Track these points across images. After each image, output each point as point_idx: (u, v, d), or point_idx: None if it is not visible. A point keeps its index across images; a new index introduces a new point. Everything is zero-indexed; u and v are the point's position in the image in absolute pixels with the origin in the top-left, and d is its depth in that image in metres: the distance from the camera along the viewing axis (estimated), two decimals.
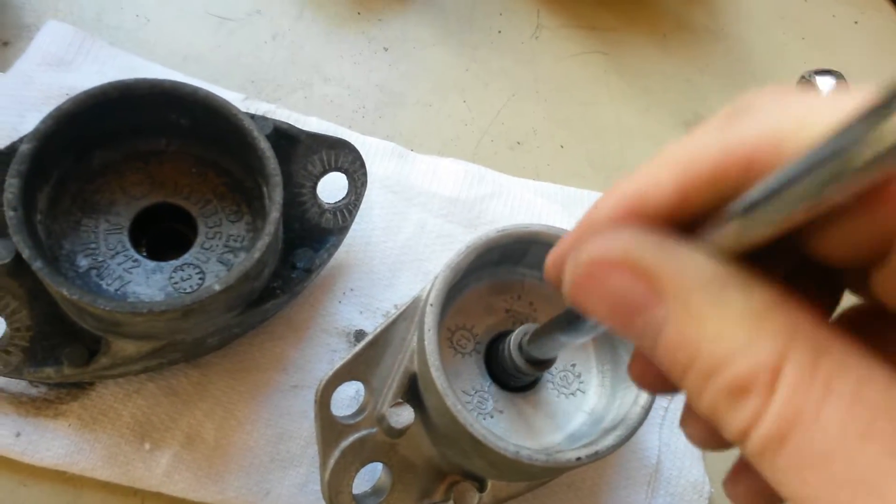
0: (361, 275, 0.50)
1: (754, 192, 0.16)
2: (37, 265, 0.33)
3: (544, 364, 0.36)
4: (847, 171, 0.13)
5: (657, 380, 0.23)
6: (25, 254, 0.34)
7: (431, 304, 0.37)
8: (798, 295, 0.17)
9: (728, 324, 0.16)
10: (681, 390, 0.18)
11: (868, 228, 0.16)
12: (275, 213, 0.38)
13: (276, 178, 0.38)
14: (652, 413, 0.49)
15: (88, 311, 0.35)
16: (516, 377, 0.39)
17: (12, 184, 0.35)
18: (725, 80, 0.64)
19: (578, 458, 0.36)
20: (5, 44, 0.52)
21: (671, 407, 0.50)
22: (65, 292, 0.33)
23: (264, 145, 0.39)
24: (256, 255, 0.36)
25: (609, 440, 0.36)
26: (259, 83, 0.54)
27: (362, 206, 0.47)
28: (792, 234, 0.17)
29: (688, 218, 0.19)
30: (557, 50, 0.61)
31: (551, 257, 0.22)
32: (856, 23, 0.70)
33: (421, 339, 0.37)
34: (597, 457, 0.36)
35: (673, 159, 0.19)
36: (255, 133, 0.39)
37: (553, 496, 0.46)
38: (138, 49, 0.53)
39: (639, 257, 0.18)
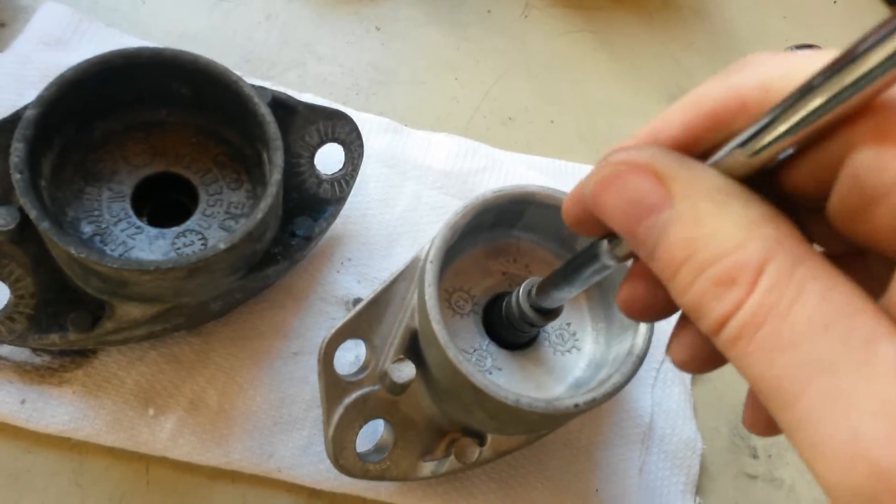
0: (359, 245, 0.51)
1: (750, 128, 0.20)
2: (44, 225, 0.34)
3: (552, 313, 0.37)
4: (813, 109, 0.18)
5: (642, 305, 0.25)
6: (33, 215, 0.34)
7: (431, 261, 0.38)
8: (786, 216, 0.19)
9: (727, 226, 0.19)
10: (668, 289, 0.20)
11: (822, 159, 0.20)
12: (276, 175, 0.38)
13: (277, 141, 0.39)
14: (644, 374, 0.51)
15: (95, 270, 0.35)
16: (521, 331, 0.40)
17: (18, 148, 0.35)
18: (710, 57, 0.66)
19: (577, 405, 0.37)
20: (2, 25, 0.52)
21: (662, 368, 0.51)
22: (72, 251, 0.34)
23: (264, 110, 0.39)
24: (259, 215, 0.37)
25: (606, 387, 0.37)
26: (254, 62, 0.55)
27: (358, 179, 0.48)
28: (771, 169, 0.21)
29: (696, 153, 0.21)
30: (547, 29, 0.63)
31: (571, 194, 0.25)
32: (834, 2, 0.73)
33: (422, 295, 0.38)
34: (594, 403, 0.37)
35: (681, 104, 0.22)
36: (256, 99, 0.40)
37: (550, 454, 0.47)
38: (134, 29, 0.53)
39: (660, 164, 0.21)
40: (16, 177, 0.35)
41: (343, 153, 0.48)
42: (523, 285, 0.37)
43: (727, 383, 0.53)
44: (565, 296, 0.34)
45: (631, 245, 0.21)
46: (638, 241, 0.21)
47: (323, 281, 0.49)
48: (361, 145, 0.48)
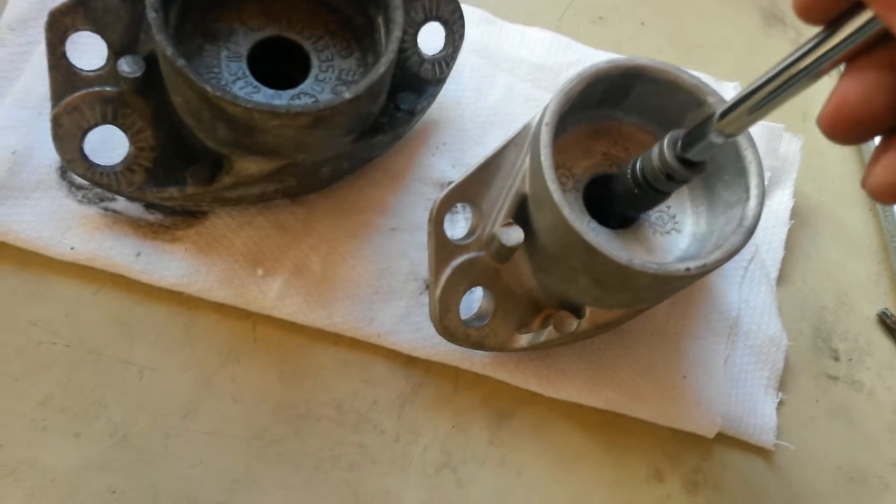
0: (453, 131, 0.51)
1: None
2: (180, 62, 0.35)
3: (699, 166, 0.35)
4: None
5: (853, 115, 0.24)
6: (168, 52, 0.35)
7: (546, 124, 0.39)
8: None
9: None
10: None
11: None
12: (397, 33, 0.39)
13: (397, 0, 0.39)
14: (732, 271, 0.51)
15: (225, 114, 0.36)
16: (657, 190, 0.38)
17: None
18: None
19: (687, 269, 0.37)
20: None
21: (750, 266, 0.51)
22: (208, 89, 0.35)
23: None
24: (381, 69, 0.38)
25: (717, 254, 0.38)
26: None
27: (453, 68, 0.49)
28: None
29: None
30: None
31: None
32: None
33: (536, 157, 0.38)
34: (704, 269, 0.37)
35: None
36: None
37: (638, 341, 0.48)
38: None
39: None
40: (151, 15, 0.36)
41: (442, 38, 0.48)
42: (668, 136, 0.36)
43: (811, 287, 0.53)
44: (710, 150, 0.33)
45: (889, 7, 0.20)
46: None
47: (419, 163, 0.49)
48: (463, 26, 0.48)
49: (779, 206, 0.53)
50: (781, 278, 0.52)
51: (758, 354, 0.49)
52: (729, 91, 0.57)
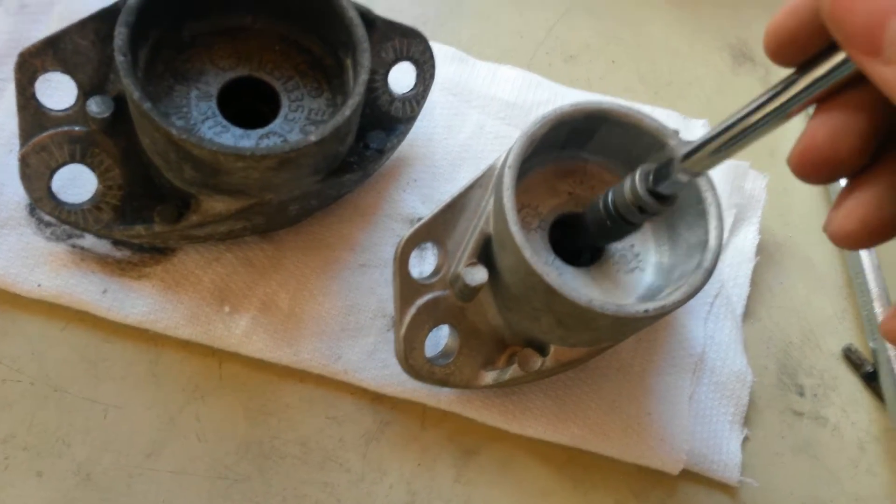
0: (424, 168, 0.52)
1: None
2: (146, 106, 0.35)
3: (669, 199, 0.35)
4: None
5: (821, 157, 0.24)
6: (136, 95, 0.36)
7: (509, 167, 0.39)
8: None
9: None
10: None
11: None
12: (363, 76, 0.39)
13: (365, 44, 0.40)
14: (697, 307, 0.52)
15: (191, 156, 0.37)
16: (627, 222, 0.38)
17: (121, 32, 0.37)
18: (768, 9, 0.66)
19: (646, 310, 0.38)
20: None
21: (716, 302, 0.52)
22: (173, 133, 0.35)
23: (352, 13, 0.40)
24: (348, 112, 0.38)
25: (675, 296, 0.38)
26: None
27: (424, 106, 0.49)
28: None
29: None
30: None
31: (786, 7, 0.24)
32: None
33: (499, 199, 0.39)
34: (663, 310, 0.38)
35: None
36: (344, 2, 0.41)
37: (604, 377, 0.48)
38: None
39: None
40: (119, 59, 0.36)
41: (414, 76, 0.49)
42: (639, 169, 0.36)
43: (776, 322, 0.54)
44: (679, 186, 0.34)
45: (863, 52, 0.20)
46: (885, 38, 0.19)
47: (389, 199, 0.50)
48: (433, 66, 0.48)
49: (744, 242, 0.54)
50: (747, 314, 0.53)
51: (723, 390, 0.50)
52: (697, 128, 0.58)
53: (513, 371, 0.43)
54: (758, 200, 0.55)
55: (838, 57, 0.23)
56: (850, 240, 0.25)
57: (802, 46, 0.24)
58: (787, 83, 0.25)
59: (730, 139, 0.29)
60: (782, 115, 0.26)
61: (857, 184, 0.25)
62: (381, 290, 0.47)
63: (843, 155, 0.24)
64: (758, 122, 0.27)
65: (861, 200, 0.25)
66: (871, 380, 0.53)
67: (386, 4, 0.57)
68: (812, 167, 0.25)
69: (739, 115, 0.28)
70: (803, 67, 0.24)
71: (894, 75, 0.19)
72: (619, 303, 0.43)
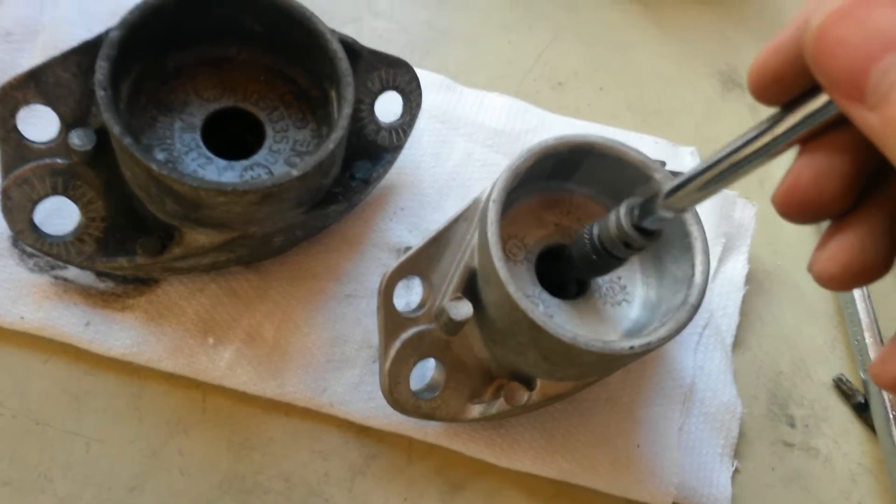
0: (411, 196, 0.52)
1: None
2: (127, 141, 0.35)
3: (654, 234, 0.35)
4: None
5: (805, 199, 0.24)
6: (116, 130, 0.35)
7: (494, 201, 0.39)
8: None
9: None
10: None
11: None
12: (347, 110, 0.39)
13: (348, 77, 0.40)
14: (687, 338, 0.51)
15: (172, 191, 0.36)
16: (613, 256, 0.38)
17: (102, 66, 0.36)
18: (757, 35, 0.66)
19: (632, 347, 0.37)
20: None
21: (705, 333, 0.51)
22: (154, 168, 0.35)
23: (336, 46, 0.40)
24: (331, 146, 0.38)
25: (660, 332, 0.38)
26: None
27: (412, 133, 0.49)
28: None
29: None
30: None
31: (771, 45, 0.23)
32: None
33: (483, 234, 0.39)
34: (649, 347, 0.38)
35: None
36: (328, 35, 0.41)
37: (593, 409, 0.48)
38: None
39: None
40: (100, 93, 0.36)
41: (401, 104, 0.49)
42: (624, 204, 0.36)
43: (767, 352, 0.54)
44: (664, 221, 0.33)
45: (846, 97, 0.20)
46: (868, 83, 0.19)
47: (376, 228, 0.50)
48: (420, 95, 0.48)
49: (734, 271, 0.54)
50: (737, 344, 0.53)
51: (713, 422, 0.49)
52: (686, 156, 0.58)
53: (499, 405, 0.42)
54: (747, 229, 0.55)
55: (823, 98, 0.23)
56: (834, 282, 0.25)
57: (787, 86, 0.24)
58: (772, 123, 0.25)
59: (713, 178, 0.28)
60: (766, 155, 0.26)
61: (841, 226, 0.25)
62: (367, 321, 0.47)
63: (827, 197, 0.24)
64: (741, 161, 0.27)
65: (844, 244, 0.24)
66: (862, 410, 0.52)
67: (374, 32, 0.57)
68: (796, 208, 0.25)
69: (722, 154, 0.28)
70: (788, 107, 0.24)
71: (877, 121, 0.19)
72: (605, 338, 0.43)
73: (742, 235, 0.55)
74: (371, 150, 0.47)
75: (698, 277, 0.40)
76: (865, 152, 0.23)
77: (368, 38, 0.56)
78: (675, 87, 0.62)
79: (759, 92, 0.25)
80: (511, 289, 0.37)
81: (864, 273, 0.24)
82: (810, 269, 0.26)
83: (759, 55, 0.24)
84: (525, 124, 0.56)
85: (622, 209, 0.36)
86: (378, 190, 0.50)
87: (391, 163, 0.48)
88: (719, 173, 0.28)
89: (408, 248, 0.50)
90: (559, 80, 0.59)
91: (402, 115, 0.48)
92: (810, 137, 0.24)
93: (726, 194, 0.55)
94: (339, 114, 0.40)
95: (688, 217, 0.41)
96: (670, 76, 0.63)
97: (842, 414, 0.52)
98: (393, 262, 0.49)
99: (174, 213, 0.39)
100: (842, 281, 0.25)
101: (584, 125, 0.57)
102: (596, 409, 0.48)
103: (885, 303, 0.55)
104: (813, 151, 0.24)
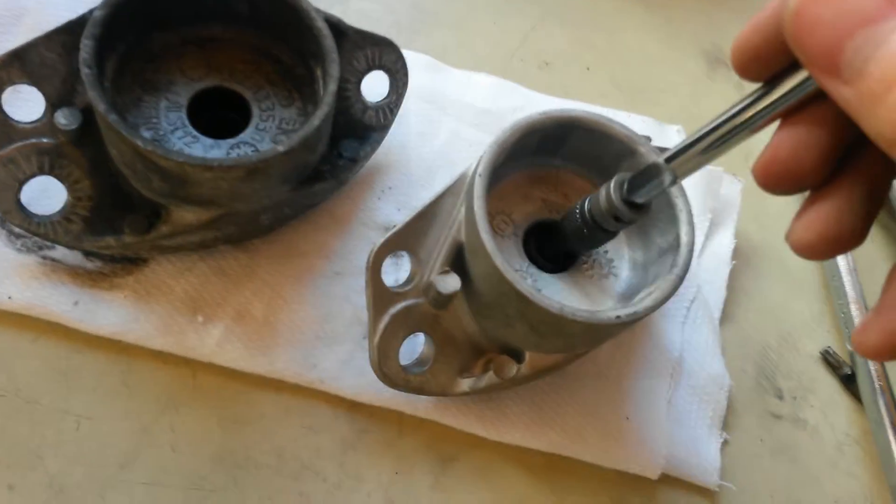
0: (399, 175, 0.52)
1: None
2: (112, 118, 0.35)
3: (643, 208, 0.36)
4: None
5: (784, 170, 0.25)
6: (101, 107, 0.35)
7: (480, 175, 0.39)
8: None
9: None
10: (867, 114, 0.20)
11: None
12: (332, 86, 0.39)
13: (333, 54, 0.40)
14: (675, 311, 0.52)
15: (158, 167, 0.37)
16: (603, 230, 0.38)
17: (87, 44, 0.37)
18: (742, 15, 0.66)
19: (618, 317, 0.38)
20: None
21: (693, 306, 0.52)
22: (139, 144, 0.35)
23: (321, 24, 0.41)
24: (316, 122, 0.38)
25: (647, 302, 0.38)
26: None
27: (399, 112, 0.49)
28: None
29: None
30: None
31: (752, 22, 0.24)
32: None
33: (470, 208, 0.39)
34: (635, 316, 0.38)
35: None
36: (313, 13, 0.41)
37: (582, 383, 0.48)
38: None
39: None
40: (85, 71, 0.36)
41: (388, 83, 0.49)
42: (614, 179, 0.36)
43: (754, 326, 0.54)
44: (655, 194, 0.34)
45: (823, 72, 0.20)
46: (843, 59, 0.20)
47: (364, 207, 0.50)
48: (406, 74, 0.49)
49: (720, 246, 0.54)
50: (724, 318, 0.53)
51: (701, 394, 0.50)
52: (672, 133, 0.58)
53: (489, 378, 0.43)
54: (733, 205, 0.56)
55: (802, 74, 0.23)
56: (810, 250, 0.26)
57: (768, 62, 0.24)
58: (754, 98, 0.26)
59: (697, 152, 0.29)
60: (749, 128, 0.26)
61: (819, 196, 0.26)
62: (356, 298, 0.47)
63: (806, 168, 0.24)
64: (724, 136, 0.27)
65: (820, 212, 0.25)
66: (849, 382, 0.53)
67: (360, 13, 0.57)
68: (775, 179, 0.25)
69: (705, 130, 0.28)
70: (771, 82, 0.25)
71: (852, 94, 0.20)
72: (594, 308, 0.43)
73: (729, 211, 0.55)
74: (358, 129, 0.47)
75: (683, 248, 0.40)
76: (843, 125, 0.24)
77: (355, 19, 0.56)
78: (662, 66, 0.63)
79: (741, 68, 0.25)
80: (498, 260, 0.37)
81: (839, 242, 0.25)
82: (788, 237, 0.26)
83: (741, 32, 0.25)
84: (512, 103, 0.56)
85: (612, 184, 0.37)
86: (366, 169, 0.50)
87: (378, 142, 0.48)
88: (703, 148, 0.29)
89: (395, 226, 0.50)
90: (546, 61, 0.60)
91: (389, 95, 0.49)
92: (792, 111, 0.25)
93: (712, 170, 0.56)
94: (325, 91, 0.40)
95: (673, 189, 0.41)
96: (656, 56, 0.63)
97: (829, 385, 0.53)
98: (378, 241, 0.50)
99: (161, 191, 0.39)
100: (817, 249, 0.25)
101: (571, 104, 0.57)
102: (585, 382, 0.48)
103: (870, 276, 0.55)
104: (792, 124, 0.25)
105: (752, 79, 0.25)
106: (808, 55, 0.21)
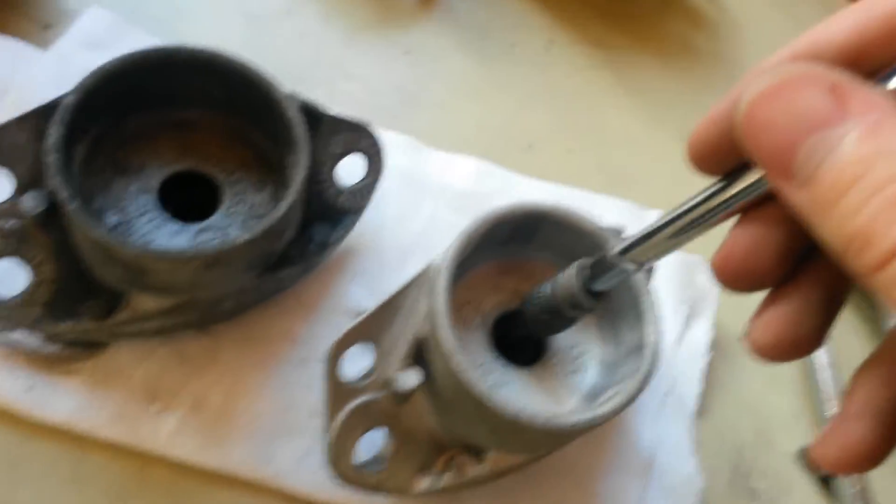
0: (372, 259, 0.51)
1: None
2: (73, 206, 0.35)
3: (603, 296, 0.35)
4: None
5: (741, 267, 0.24)
6: (63, 195, 0.35)
7: (445, 268, 0.39)
8: None
9: None
10: (821, 221, 0.19)
11: None
12: (300, 175, 0.39)
13: (303, 143, 0.40)
14: (648, 405, 0.50)
15: (117, 255, 0.36)
16: (563, 317, 0.38)
17: (54, 131, 0.37)
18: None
19: (574, 424, 0.37)
20: (47, 27, 0.54)
21: (667, 401, 0.51)
22: (97, 235, 0.35)
23: (293, 113, 0.41)
24: (280, 212, 0.38)
25: (605, 407, 0.37)
26: (283, 76, 0.56)
27: (377, 194, 0.49)
28: None
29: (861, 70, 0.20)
30: (568, 64, 0.65)
31: (708, 117, 0.24)
32: None
33: (432, 301, 0.38)
34: (593, 422, 0.37)
35: (848, 11, 0.20)
36: (285, 103, 0.41)
37: (548, 480, 0.47)
38: (172, 39, 0.55)
39: (836, 77, 0.19)
40: (49, 157, 0.36)
41: (364, 165, 0.49)
42: (576, 265, 0.36)
43: (730, 421, 0.53)
44: (616, 280, 0.33)
45: (776, 174, 0.20)
46: (795, 163, 0.19)
47: (334, 291, 0.49)
48: (382, 158, 0.49)
49: (697, 337, 0.53)
50: (700, 412, 0.52)
51: (673, 495, 0.48)
52: (652, 217, 0.58)
53: (449, 477, 0.41)
54: (711, 294, 0.55)
55: (759, 172, 0.23)
56: (767, 352, 0.25)
57: (724, 158, 0.24)
58: (710, 193, 0.25)
59: (659, 240, 0.28)
60: (704, 224, 0.26)
61: (777, 296, 0.25)
62: (319, 386, 0.46)
63: (761, 267, 0.24)
64: (681, 229, 0.27)
65: (777, 314, 0.24)
66: (827, 483, 0.51)
67: (345, 94, 0.58)
68: (731, 276, 0.25)
69: (660, 223, 0.28)
70: (727, 178, 0.24)
71: (805, 199, 0.19)
72: (557, 408, 0.42)
73: (707, 300, 0.55)
74: (332, 213, 0.47)
75: (647, 350, 0.39)
76: (799, 226, 0.23)
77: (339, 100, 0.57)
78: (644, 149, 0.63)
79: (697, 162, 0.25)
80: (455, 361, 0.36)
81: (796, 345, 0.24)
82: (746, 338, 0.26)
83: (697, 126, 0.25)
84: (492, 186, 0.56)
85: (572, 270, 0.36)
86: (338, 252, 0.50)
87: (352, 225, 0.48)
88: (659, 241, 0.28)
89: (361, 314, 0.50)
90: (529, 143, 0.60)
91: (365, 178, 0.49)
92: (749, 208, 0.24)
93: (689, 258, 0.55)
94: (295, 178, 0.40)
95: (639, 286, 0.41)
96: (640, 139, 0.63)
97: (806, 486, 0.51)
98: (338, 334, 0.49)
99: (121, 278, 0.39)
100: (774, 352, 0.25)
101: (553, 187, 0.57)
102: (552, 482, 0.47)
103: (852, 372, 0.54)
104: (749, 221, 0.24)
105: (709, 173, 0.25)
106: (759, 157, 0.20)
